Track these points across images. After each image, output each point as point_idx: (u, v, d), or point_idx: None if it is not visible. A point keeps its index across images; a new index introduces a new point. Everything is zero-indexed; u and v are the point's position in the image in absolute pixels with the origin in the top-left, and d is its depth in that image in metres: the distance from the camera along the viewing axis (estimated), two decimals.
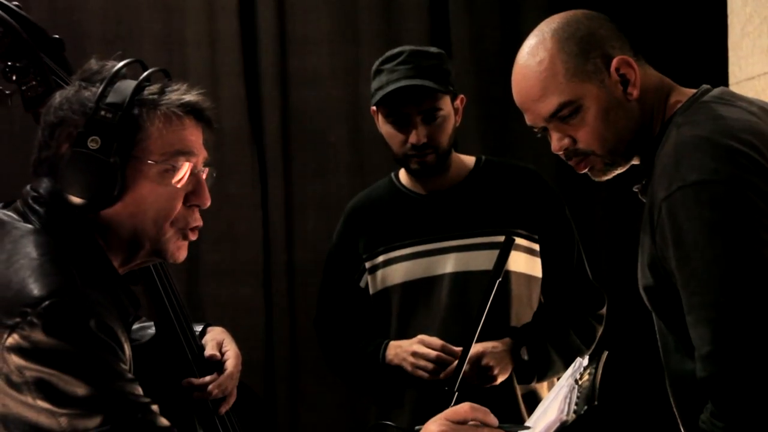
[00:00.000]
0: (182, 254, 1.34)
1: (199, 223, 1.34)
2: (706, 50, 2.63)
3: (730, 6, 2.50)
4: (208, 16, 2.85)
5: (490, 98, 2.88)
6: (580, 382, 1.40)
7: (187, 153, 1.29)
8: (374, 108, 2.06)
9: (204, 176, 1.34)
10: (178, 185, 1.29)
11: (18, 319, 1.12)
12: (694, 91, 1.45)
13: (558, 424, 1.29)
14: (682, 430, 1.47)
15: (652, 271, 1.38)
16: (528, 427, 1.37)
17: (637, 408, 2.80)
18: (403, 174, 2.14)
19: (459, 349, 1.89)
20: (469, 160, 2.14)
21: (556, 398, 1.42)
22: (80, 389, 1.11)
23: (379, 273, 2.08)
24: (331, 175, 2.90)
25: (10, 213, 1.26)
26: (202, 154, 1.33)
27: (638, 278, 1.46)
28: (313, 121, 2.90)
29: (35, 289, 1.14)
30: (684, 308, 1.30)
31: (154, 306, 1.53)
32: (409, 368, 1.97)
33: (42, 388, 1.11)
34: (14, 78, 1.51)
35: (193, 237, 1.34)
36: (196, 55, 2.85)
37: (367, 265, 2.09)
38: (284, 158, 2.88)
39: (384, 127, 2.04)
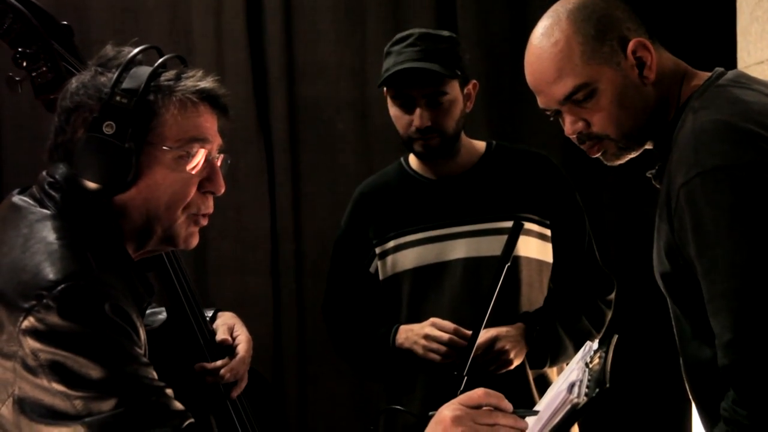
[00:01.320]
0: (194, 240, 1.34)
1: (211, 209, 1.35)
2: (715, 35, 2.62)
3: None
4: (214, 10, 2.85)
5: (498, 86, 2.88)
6: (590, 366, 1.39)
7: (201, 139, 1.29)
8: (385, 90, 2.06)
9: (218, 163, 1.34)
10: (193, 172, 1.29)
11: (34, 302, 1.12)
12: (709, 74, 1.43)
13: (569, 407, 1.29)
14: (697, 414, 1.46)
15: (670, 258, 1.36)
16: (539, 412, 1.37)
17: (646, 393, 2.80)
18: (413, 159, 2.13)
19: (471, 332, 1.90)
20: (480, 145, 2.13)
21: (566, 381, 1.42)
22: (94, 372, 1.12)
23: (390, 258, 2.08)
24: (338, 166, 2.90)
25: (26, 198, 1.27)
26: (217, 141, 1.33)
27: (654, 265, 1.44)
28: (320, 111, 2.90)
29: (51, 272, 1.14)
30: (704, 296, 1.29)
31: (165, 291, 1.53)
32: (420, 351, 1.97)
33: (57, 371, 1.11)
34: (24, 64, 1.51)
35: (204, 222, 1.35)
36: (203, 46, 2.85)
37: (378, 250, 2.09)
38: (291, 150, 2.88)
39: (391, 108, 2.04)
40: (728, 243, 1.24)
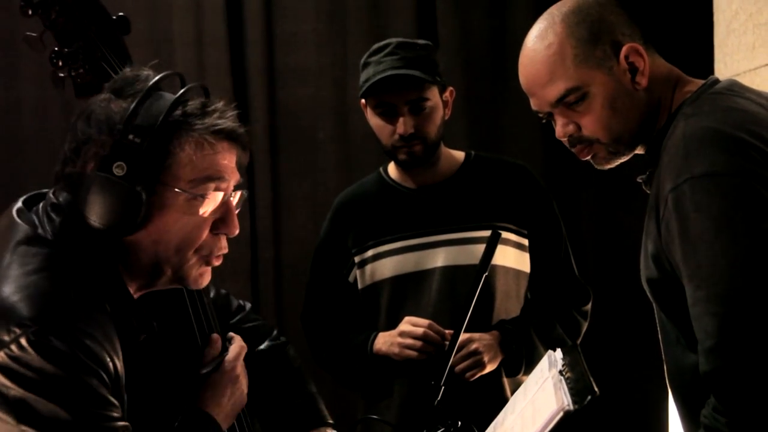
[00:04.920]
0: (205, 280, 1.29)
1: (224, 250, 1.29)
2: (692, 47, 2.65)
3: (715, 3, 2.51)
4: (195, 13, 2.85)
5: (478, 95, 2.89)
6: (564, 374, 1.40)
7: (217, 179, 1.23)
8: (363, 101, 2.06)
9: (235, 201, 1.28)
10: (206, 215, 1.23)
11: (6, 338, 1.09)
12: (702, 81, 1.44)
13: (561, 414, 1.29)
14: (673, 419, 1.47)
15: (656, 262, 1.36)
16: None
17: (621, 400, 2.82)
18: (392, 168, 2.14)
19: (449, 331, 1.90)
20: (459, 155, 2.14)
21: (543, 390, 1.42)
22: (62, 415, 1.09)
23: (369, 267, 2.08)
24: (318, 171, 2.90)
25: (26, 217, 1.22)
26: (234, 178, 1.26)
27: (641, 270, 1.44)
28: (300, 118, 2.90)
29: (26, 309, 1.11)
30: (688, 301, 1.29)
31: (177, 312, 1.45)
32: (396, 350, 1.97)
33: (23, 411, 1.09)
34: (60, 64, 1.44)
35: (216, 263, 1.29)
36: (183, 52, 2.84)
37: (357, 259, 2.09)
38: (271, 155, 2.88)
39: (373, 119, 2.04)
40: (714, 249, 1.24)
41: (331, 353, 2.14)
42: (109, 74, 1.44)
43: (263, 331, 1.62)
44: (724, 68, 2.44)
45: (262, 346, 1.60)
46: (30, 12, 1.44)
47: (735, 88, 1.40)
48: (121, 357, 1.18)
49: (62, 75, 1.47)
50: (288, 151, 2.90)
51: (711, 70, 2.49)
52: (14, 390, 1.09)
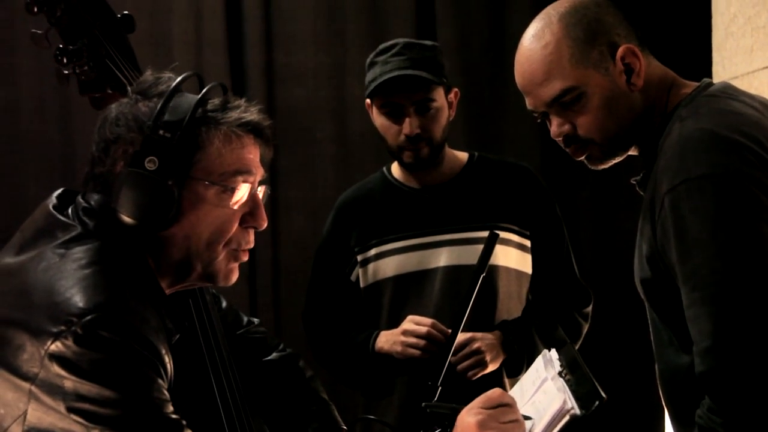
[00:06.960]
0: (234, 276, 1.29)
1: (251, 244, 1.30)
2: (690, 50, 2.66)
3: (714, 6, 2.53)
4: (194, 14, 2.85)
5: (476, 97, 2.90)
6: (564, 376, 1.40)
7: (245, 172, 1.25)
8: (368, 101, 2.06)
9: (261, 195, 1.30)
10: (236, 207, 1.25)
11: (62, 328, 1.09)
12: (696, 84, 1.45)
13: (567, 418, 1.30)
14: (669, 423, 1.47)
15: (651, 264, 1.37)
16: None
17: (619, 402, 2.82)
18: (395, 168, 2.14)
19: (450, 330, 1.90)
20: (463, 155, 2.15)
21: (544, 392, 1.42)
22: (115, 406, 1.09)
23: (371, 266, 2.08)
24: (316, 172, 2.90)
25: (66, 216, 1.22)
26: (260, 172, 1.28)
27: (634, 270, 1.45)
28: (299, 118, 2.90)
29: (82, 300, 1.11)
30: (684, 302, 1.29)
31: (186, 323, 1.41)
32: (399, 349, 1.97)
33: (77, 401, 1.09)
34: (64, 61, 1.45)
35: (245, 258, 1.30)
36: (182, 53, 2.84)
37: (359, 258, 2.09)
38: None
39: (378, 119, 2.04)
40: (710, 250, 1.24)
41: (332, 351, 2.14)
42: (113, 72, 1.45)
43: (271, 343, 1.63)
44: (722, 71, 2.45)
45: (271, 357, 1.60)
46: (35, 9, 1.46)
47: (729, 91, 1.41)
48: (171, 359, 1.18)
49: (66, 72, 1.48)
50: (286, 151, 2.90)
51: (709, 73, 2.50)
52: (68, 380, 1.09)
